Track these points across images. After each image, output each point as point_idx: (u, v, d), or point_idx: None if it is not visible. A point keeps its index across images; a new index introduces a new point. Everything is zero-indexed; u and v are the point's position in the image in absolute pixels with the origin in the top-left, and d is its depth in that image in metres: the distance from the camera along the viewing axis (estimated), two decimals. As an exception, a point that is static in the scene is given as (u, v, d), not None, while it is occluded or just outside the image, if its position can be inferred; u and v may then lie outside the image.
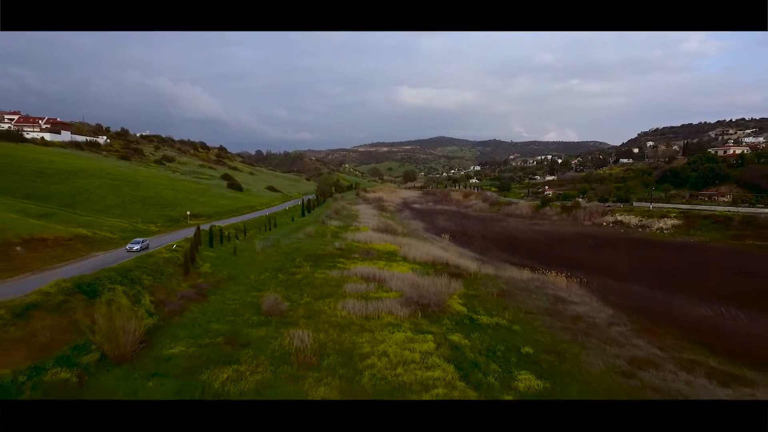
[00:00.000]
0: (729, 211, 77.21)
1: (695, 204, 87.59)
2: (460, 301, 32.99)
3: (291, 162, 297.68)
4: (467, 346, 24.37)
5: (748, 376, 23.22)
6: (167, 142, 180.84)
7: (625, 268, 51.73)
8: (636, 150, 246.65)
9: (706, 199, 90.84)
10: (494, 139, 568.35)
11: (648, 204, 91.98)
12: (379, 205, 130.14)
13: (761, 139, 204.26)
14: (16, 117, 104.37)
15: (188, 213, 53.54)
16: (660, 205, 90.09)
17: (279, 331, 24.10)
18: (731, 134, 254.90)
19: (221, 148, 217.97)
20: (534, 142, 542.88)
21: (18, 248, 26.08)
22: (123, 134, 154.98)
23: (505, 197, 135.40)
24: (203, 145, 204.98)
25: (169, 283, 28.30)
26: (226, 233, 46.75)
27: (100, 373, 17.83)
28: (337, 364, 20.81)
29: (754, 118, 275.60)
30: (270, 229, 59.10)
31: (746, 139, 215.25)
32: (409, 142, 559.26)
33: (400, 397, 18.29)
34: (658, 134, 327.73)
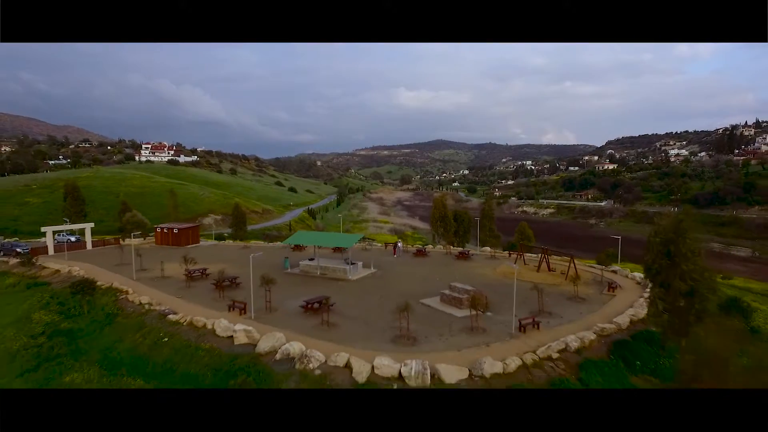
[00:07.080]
0: (581, 204, 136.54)
1: (572, 200, 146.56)
2: (410, 233, 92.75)
3: (307, 168, 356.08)
4: (408, 239, 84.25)
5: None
6: (221, 155, 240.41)
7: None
8: (596, 158, 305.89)
9: (579, 197, 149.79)
10: (490, 142, 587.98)
11: (544, 200, 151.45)
12: (380, 202, 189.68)
13: (684, 151, 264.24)
14: (150, 146, 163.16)
15: (291, 203, 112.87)
16: (550, 201, 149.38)
17: (355, 232, 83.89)
18: (671, 145, 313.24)
19: (256, 158, 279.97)
20: (528, 145, 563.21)
21: (271, 209, 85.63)
22: (194, 151, 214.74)
23: (467, 196, 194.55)
24: (244, 157, 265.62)
25: (311, 222, 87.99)
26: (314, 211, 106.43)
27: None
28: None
29: (696, 130, 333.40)
30: (327, 211, 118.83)
31: (671, 151, 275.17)
32: (408, 146, 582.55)
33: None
34: (618, 143, 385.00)
